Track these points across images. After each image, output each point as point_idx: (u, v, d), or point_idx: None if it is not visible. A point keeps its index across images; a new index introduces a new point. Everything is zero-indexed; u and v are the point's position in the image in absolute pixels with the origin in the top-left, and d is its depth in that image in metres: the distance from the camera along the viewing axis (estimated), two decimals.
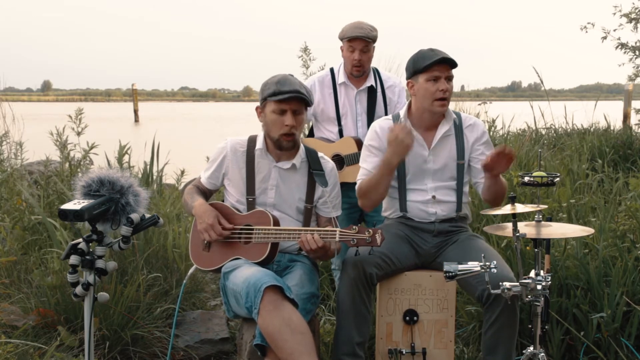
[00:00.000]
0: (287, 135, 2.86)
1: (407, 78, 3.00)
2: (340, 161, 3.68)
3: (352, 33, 3.63)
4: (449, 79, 2.92)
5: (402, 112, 3.05)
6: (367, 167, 3.04)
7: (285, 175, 2.97)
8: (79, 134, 4.95)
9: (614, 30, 9.24)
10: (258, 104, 2.93)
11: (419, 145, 3.01)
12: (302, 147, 3.00)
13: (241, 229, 2.88)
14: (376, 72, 3.81)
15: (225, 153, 3.00)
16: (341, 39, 3.71)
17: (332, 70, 3.82)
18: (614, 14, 9.13)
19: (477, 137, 3.06)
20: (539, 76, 7.51)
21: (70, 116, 4.94)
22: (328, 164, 3.04)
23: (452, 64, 2.91)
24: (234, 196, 2.99)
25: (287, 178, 2.97)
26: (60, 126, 4.95)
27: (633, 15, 9.01)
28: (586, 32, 9.32)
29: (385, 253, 2.85)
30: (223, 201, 3.06)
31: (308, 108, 2.93)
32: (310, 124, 3.99)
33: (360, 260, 2.78)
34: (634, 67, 9.58)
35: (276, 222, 2.85)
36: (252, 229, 2.85)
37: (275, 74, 2.92)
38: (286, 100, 2.80)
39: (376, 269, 2.82)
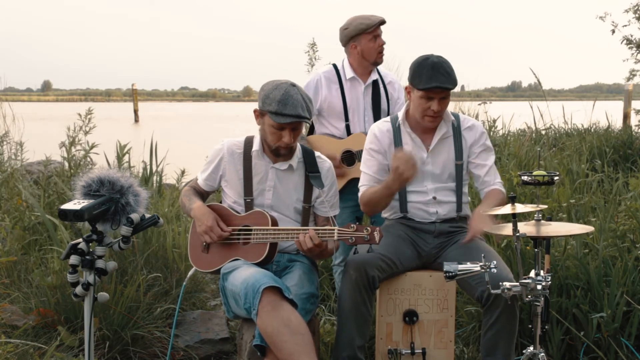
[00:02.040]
0: (284, 147, 2.86)
1: (408, 80, 2.99)
2: (351, 157, 3.68)
3: (374, 21, 3.65)
4: (444, 97, 2.89)
5: (401, 114, 3.05)
6: (368, 171, 3.04)
7: (283, 176, 2.96)
8: (86, 133, 4.94)
9: (624, 26, 9.25)
10: (257, 106, 2.90)
11: (418, 147, 3.01)
12: (298, 147, 2.99)
13: (240, 230, 2.88)
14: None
15: (222, 155, 2.99)
16: (358, 34, 3.66)
17: (335, 66, 3.82)
18: (627, 10, 9.12)
19: (475, 139, 3.05)
20: (536, 77, 7.52)
21: (80, 114, 4.93)
22: (325, 163, 3.03)
23: (448, 88, 2.88)
24: (231, 197, 2.99)
25: (284, 179, 2.97)
26: (61, 126, 4.94)
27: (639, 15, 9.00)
28: (603, 21, 9.32)
29: (387, 255, 2.85)
30: (221, 202, 3.05)
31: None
32: (310, 121, 3.98)
33: (362, 263, 2.78)
34: (635, 62, 9.58)
35: (274, 223, 2.85)
36: (251, 230, 2.85)
37: (277, 77, 2.87)
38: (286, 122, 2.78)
39: (378, 272, 2.82)
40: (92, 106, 5.03)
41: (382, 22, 3.69)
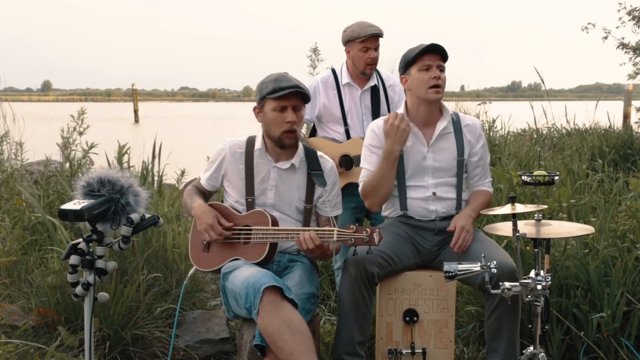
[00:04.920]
0: (289, 132, 2.86)
1: (401, 75, 3.03)
2: (349, 162, 3.68)
3: (367, 32, 3.63)
4: (441, 69, 2.95)
5: (400, 110, 3.06)
6: (368, 167, 3.05)
7: (285, 175, 2.97)
8: (80, 133, 4.95)
9: (617, 27, 9.24)
10: (255, 104, 2.94)
11: (418, 141, 3.01)
12: (300, 147, 3.00)
13: (240, 230, 2.88)
14: (377, 71, 3.82)
15: (224, 154, 3.00)
16: (351, 40, 3.68)
17: (333, 71, 3.83)
18: (619, 10, 9.13)
19: (475, 138, 3.07)
20: (539, 76, 7.50)
21: (72, 116, 4.94)
22: (327, 163, 3.04)
23: (442, 53, 2.94)
24: (233, 197, 2.99)
25: (286, 178, 2.97)
26: (61, 126, 4.95)
27: (636, 13, 9.00)
28: (587, 32, 9.33)
29: (386, 252, 2.85)
30: (222, 202, 3.06)
31: (306, 105, 2.95)
32: (312, 125, 3.99)
33: (361, 259, 2.79)
34: (633, 64, 9.58)
35: (274, 222, 2.85)
36: (251, 229, 2.85)
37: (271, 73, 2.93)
38: (286, 96, 2.81)
39: (377, 268, 2.82)
40: (87, 107, 5.06)
41: (376, 35, 3.64)
